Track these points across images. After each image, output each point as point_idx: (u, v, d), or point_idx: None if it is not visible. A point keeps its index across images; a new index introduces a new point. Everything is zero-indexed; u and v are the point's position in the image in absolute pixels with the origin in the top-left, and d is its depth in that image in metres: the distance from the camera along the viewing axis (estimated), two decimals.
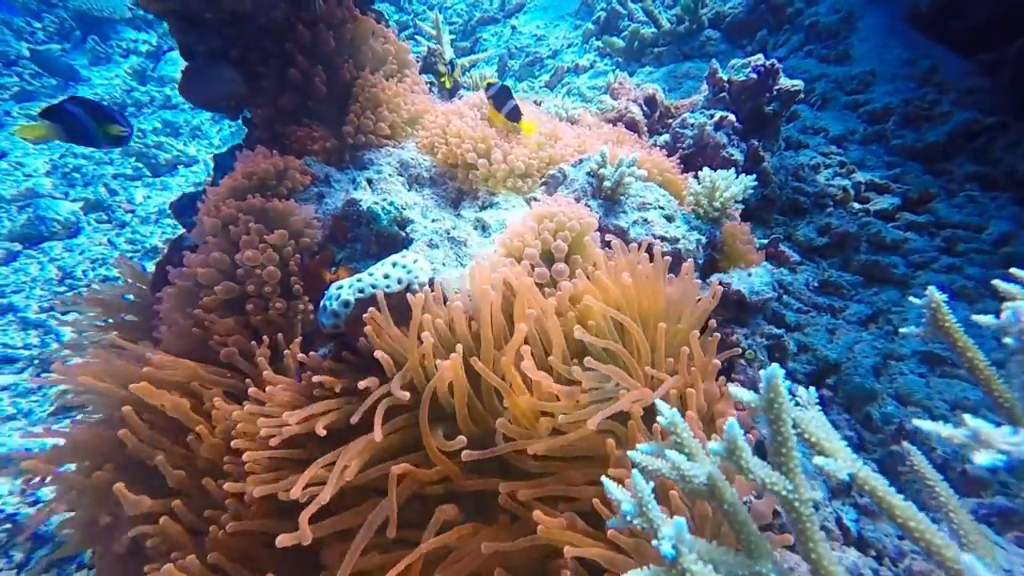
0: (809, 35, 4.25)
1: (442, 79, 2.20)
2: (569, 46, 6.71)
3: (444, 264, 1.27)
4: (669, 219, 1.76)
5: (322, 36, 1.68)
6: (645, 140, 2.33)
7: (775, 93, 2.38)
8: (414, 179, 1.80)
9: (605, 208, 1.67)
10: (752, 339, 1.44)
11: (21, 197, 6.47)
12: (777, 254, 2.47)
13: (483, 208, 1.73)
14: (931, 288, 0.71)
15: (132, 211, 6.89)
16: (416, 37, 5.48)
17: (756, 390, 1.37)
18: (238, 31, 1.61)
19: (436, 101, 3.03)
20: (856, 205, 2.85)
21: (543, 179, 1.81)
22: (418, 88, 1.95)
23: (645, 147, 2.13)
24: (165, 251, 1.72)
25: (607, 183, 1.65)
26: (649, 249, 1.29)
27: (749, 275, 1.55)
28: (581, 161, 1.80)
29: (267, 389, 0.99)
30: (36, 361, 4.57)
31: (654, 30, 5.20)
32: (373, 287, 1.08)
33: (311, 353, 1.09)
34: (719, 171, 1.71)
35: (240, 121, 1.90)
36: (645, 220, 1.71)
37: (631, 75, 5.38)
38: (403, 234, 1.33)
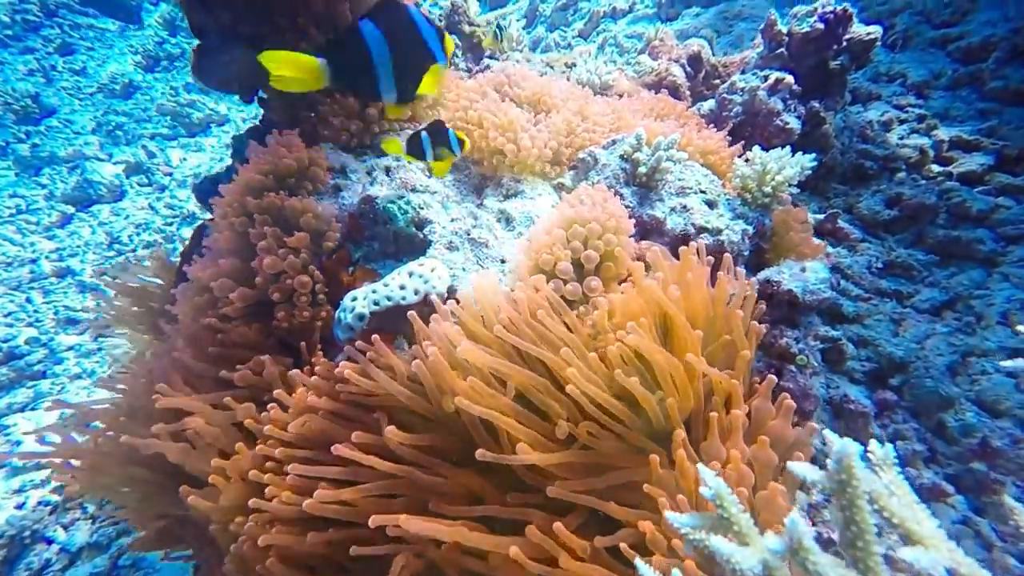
0: None
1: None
2: None
3: (464, 269, 1.23)
4: (711, 205, 1.62)
5: (337, 6, 1.57)
6: (687, 107, 2.12)
7: (845, 44, 2.07)
8: None
9: (640, 196, 1.55)
10: (804, 342, 1.34)
11: (71, 158, 6.84)
12: (834, 231, 2.25)
13: (507, 197, 1.65)
14: None
15: (169, 174, 7.16)
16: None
17: (805, 400, 1.31)
18: (248, 4, 1.52)
19: (460, 61, 2.85)
20: (935, 168, 2.52)
21: (572, 163, 1.70)
22: None
23: (688, 120, 1.94)
24: (188, 241, 1.77)
25: (642, 169, 1.52)
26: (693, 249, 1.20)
27: (803, 270, 1.42)
28: (614, 142, 1.66)
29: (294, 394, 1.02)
30: (93, 324, 5.02)
31: None
32: (388, 299, 1.06)
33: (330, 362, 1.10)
34: (771, 151, 1.53)
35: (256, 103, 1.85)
36: (684, 207, 1.59)
37: (676, 18, 4.84)
38: (421, 235, 1.29)
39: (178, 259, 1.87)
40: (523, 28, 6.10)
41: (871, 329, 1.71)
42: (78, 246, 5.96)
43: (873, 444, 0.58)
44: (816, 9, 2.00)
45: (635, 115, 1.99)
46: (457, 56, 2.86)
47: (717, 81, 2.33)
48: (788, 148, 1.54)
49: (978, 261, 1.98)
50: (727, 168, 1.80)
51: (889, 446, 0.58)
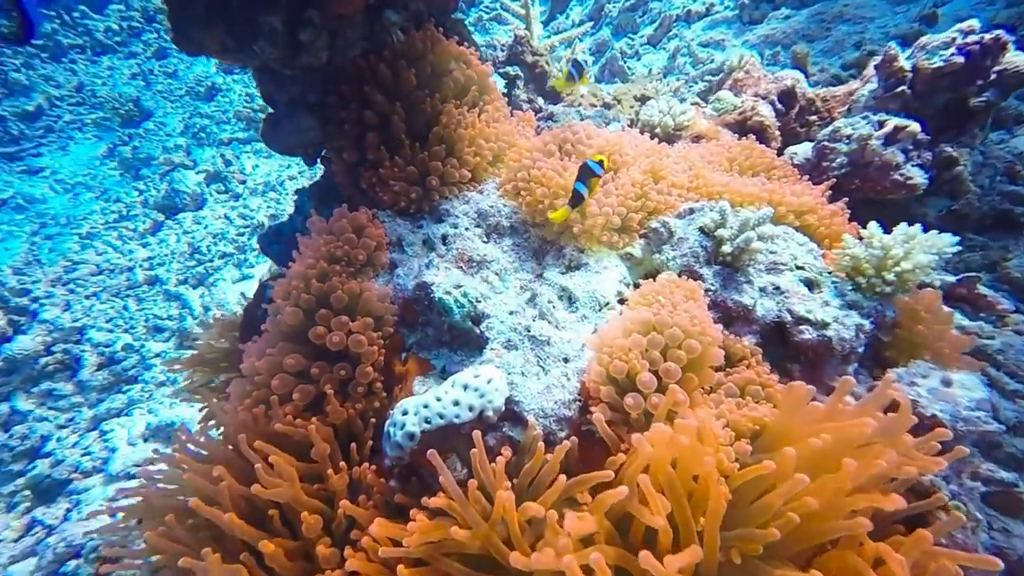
0: None
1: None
2: None
3: (523, 373, 1.16)
4: (811, 285, 1.43)
5: (403, 75, 1.58)
6: (777, 155, 1.89)
7: (995, 76, 1.74)
8: (493, 228, 1.68)
9: (723, 277, 1.39)
10: (957, 483, 1.07)
11: (163, 164, 7.69)
12: (973, 298, 1.89)
13: (569, 269, 1.56)
14: None
15: (243, 181, 7.83)
16: (502, 14, 5.10)
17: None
18: (316, 76, 1.57)
19: (522, 92, 2.80)
20: None
21: (643, 230, 1.57)
22: (500, 115, 1.78)
23: (779, 173, 1.72)
24: (251, 299, 1.86)
25: (726, 248, 1.37)
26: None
27: (947, 383, 1.16)
28: (692, 212, 1.51)
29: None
30: (177, 332, 5.59)
31: None
32: (441, 416, 1.02)
33: (375, 471, 1.08)
34: (895, 231, 1.31)
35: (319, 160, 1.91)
36: (777, 288, 1.40)
37: (761, 21, 4.45)
38: (477, 331, 1.24)
39: (240, 315, 1.98)
40: (588, 30, 5.91)
41: None
42: (165, 255, 6.68)
43: None
44: (954, 39, 1.69)
45: (715, 169, 1.81)
46: (518, 87, 2.82)
47: (814, 117, 2.07)
48: (918, 227, 1.31)
49: None
50: (827, 231, 1.58)
51: None
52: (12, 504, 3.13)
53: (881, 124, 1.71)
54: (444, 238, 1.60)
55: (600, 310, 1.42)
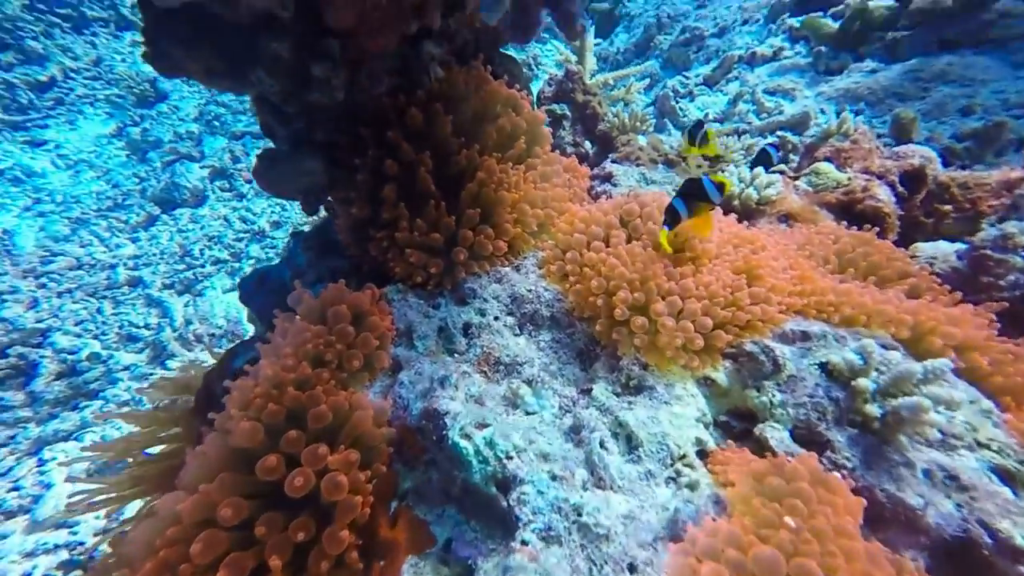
0: None
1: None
2: (745, 22, 5.59)
3: None
4: (1010, 481, 1.05)
5: (437, 120, 1.32)
6: (906, 255, 1.57)
7: None
8: (528, 318, 1.38)
9: (865, 449, 1.05)
10: None
11: (168, 153, 7.63)
12: None
13: (627, 389, 1.24)
14: None
15: (250, 181, 7.75)
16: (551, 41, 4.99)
17: None
18: (326, 113, 1.32)
19: (566, 133, 2.56)
20: None
21: (732, 349, 1.25)
22: (551, 171, 1.50)
23: (928, 291, 1.38)
24: (215, 366, 1.57)
25: (871, 410, 1.03)
26: None
27: None
28: (807, 337, 1.19)
29: None
30: (152, 344, 5.35)
31: (889, 4, 3.99)
32: None
33: None
34: None
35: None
36: (953, 479, 1.02)
37: (839, 72, 4.21)
38: (504, 503, 0.92)
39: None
40: (645, 71, 5.77)
41: None
42: (154, 255, 6.50)
43: None
44: None
45: (823, 267, 1.50)
46: (564, 128, 2.58)
47: (947, 207, 1.76)
48: None
49: None
50: (1006, 381, 1.22)
51: None
52: None
53: None
54: (467, 328, 1.31)
55: (671, 465, 1.09)
